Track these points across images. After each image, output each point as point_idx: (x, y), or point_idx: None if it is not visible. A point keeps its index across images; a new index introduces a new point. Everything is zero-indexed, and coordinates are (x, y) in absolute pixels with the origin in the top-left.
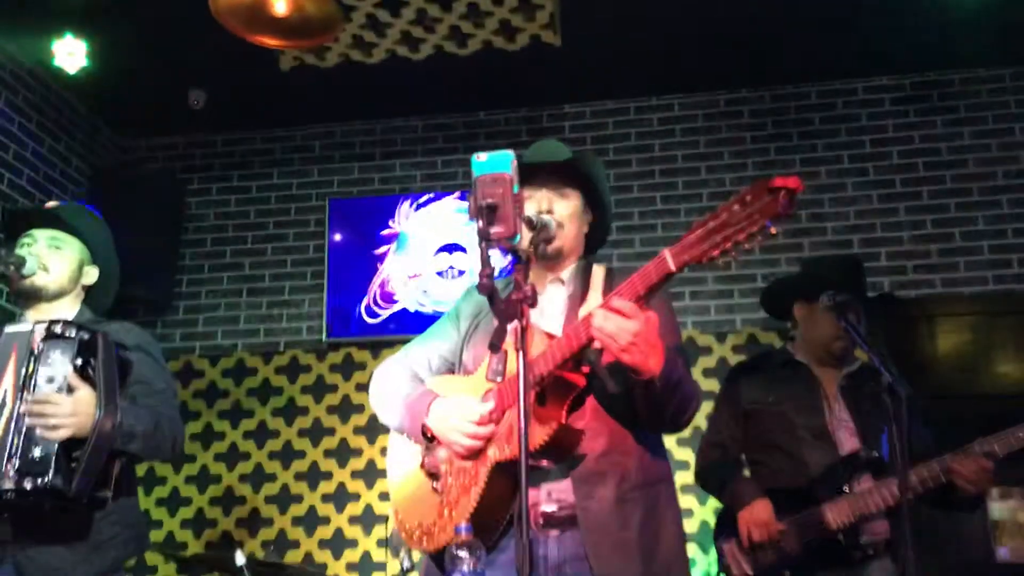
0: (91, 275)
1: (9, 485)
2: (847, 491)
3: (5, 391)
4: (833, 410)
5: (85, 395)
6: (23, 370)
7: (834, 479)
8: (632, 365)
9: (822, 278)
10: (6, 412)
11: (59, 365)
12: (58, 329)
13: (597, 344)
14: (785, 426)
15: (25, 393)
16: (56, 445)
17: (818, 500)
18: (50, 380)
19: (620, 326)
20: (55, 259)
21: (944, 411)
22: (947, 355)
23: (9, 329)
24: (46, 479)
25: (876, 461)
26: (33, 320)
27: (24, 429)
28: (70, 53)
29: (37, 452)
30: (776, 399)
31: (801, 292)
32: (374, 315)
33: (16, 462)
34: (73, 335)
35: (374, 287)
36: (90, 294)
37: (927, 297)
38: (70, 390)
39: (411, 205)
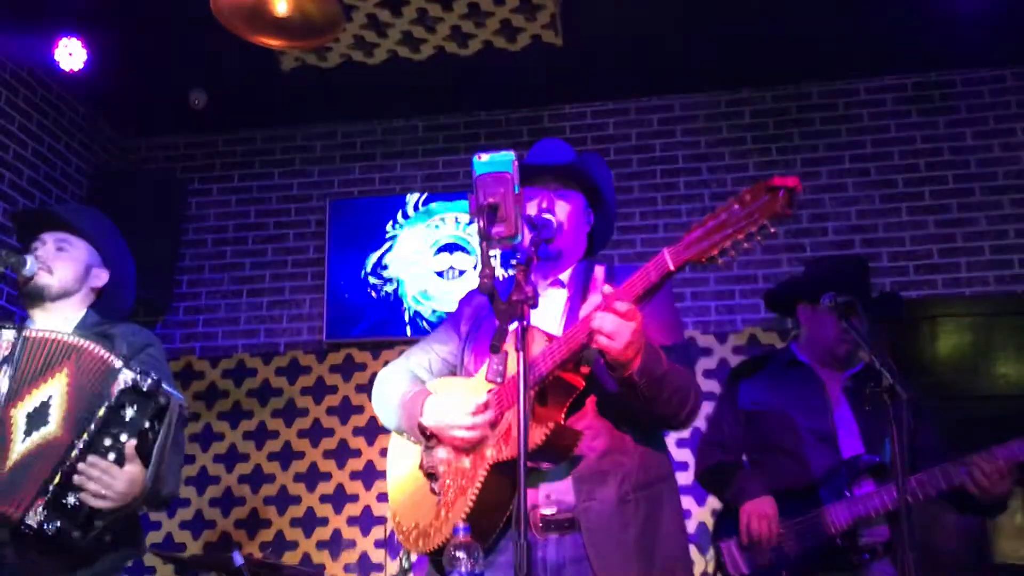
0: (100, 278)
1: (32, 522)
2: (848, 494)
3: (60, 419)
4: (836, 412)
5: (137, 473)
6: (93, 410)
7: (836, 481)
8: (624, 363)
9: (825, 279)
10: (57, 444)
11: (127, 427)
12: (145, 386)
13: (596, 344)
14: (787, 427)
15: (84, 437)
16: (89, 506)
17: (819, 502)
18: (115, 440)
19: (619, 326)
20: (60, 261)
21: (944, 412)
22: (948, 356)
23: (86, 344)
24: (66, 527)
25: (878, 464)
26: (117, 355)
27: (68, 476)
28: (70, 53)
29: (69, 501)
30: (778, 400)
31: (804, 293)
32: (374, 315)
33: (48, 503)
34: (156, 391)
35: (373, 286)
36: (103, 298)
37: (928, 298)
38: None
39: (412, 206)
